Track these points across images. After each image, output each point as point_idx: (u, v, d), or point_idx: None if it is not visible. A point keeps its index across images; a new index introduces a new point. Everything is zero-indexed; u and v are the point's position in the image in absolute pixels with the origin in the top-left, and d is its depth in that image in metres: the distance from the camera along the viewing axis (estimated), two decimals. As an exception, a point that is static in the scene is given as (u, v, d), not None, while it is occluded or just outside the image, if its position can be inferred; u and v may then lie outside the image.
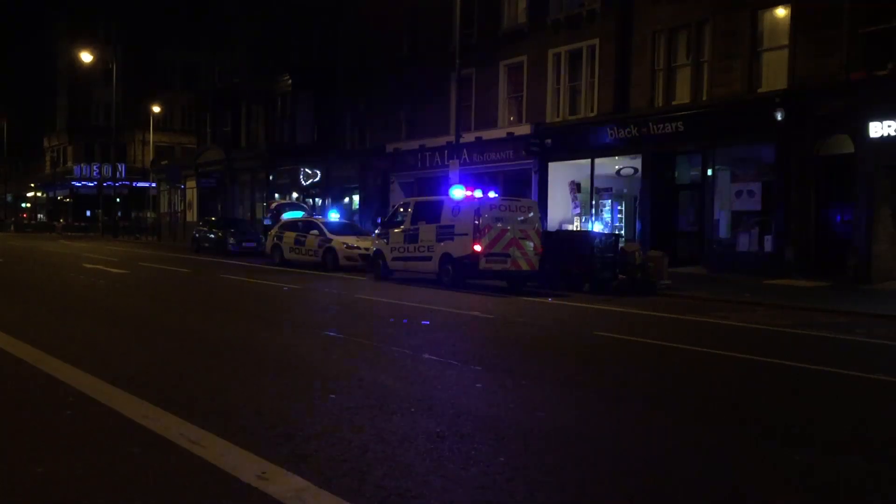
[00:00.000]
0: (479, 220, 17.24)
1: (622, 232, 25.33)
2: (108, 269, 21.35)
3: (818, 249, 20.35)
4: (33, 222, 73.55)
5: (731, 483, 4.65)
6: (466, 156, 28.04)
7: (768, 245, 21.06)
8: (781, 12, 21.23)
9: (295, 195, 39.39)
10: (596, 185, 26.45)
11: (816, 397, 7.35)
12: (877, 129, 18.42)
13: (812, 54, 20.18)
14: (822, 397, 7.37)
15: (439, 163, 30.02)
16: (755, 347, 10.28)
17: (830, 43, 19.78)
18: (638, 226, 25.16)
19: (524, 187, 27.17)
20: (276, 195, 40.13)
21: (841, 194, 19.91)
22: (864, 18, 19.31)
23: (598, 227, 25.66)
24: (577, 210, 27.19)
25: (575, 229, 25.85)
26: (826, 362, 9.15)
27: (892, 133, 18.17)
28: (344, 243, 22.96)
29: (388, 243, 19.74)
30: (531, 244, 17.65)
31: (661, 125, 23.33)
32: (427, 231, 18.54)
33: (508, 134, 28.07)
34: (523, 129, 27.59)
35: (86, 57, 53.95)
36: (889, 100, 18.29)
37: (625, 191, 26.79)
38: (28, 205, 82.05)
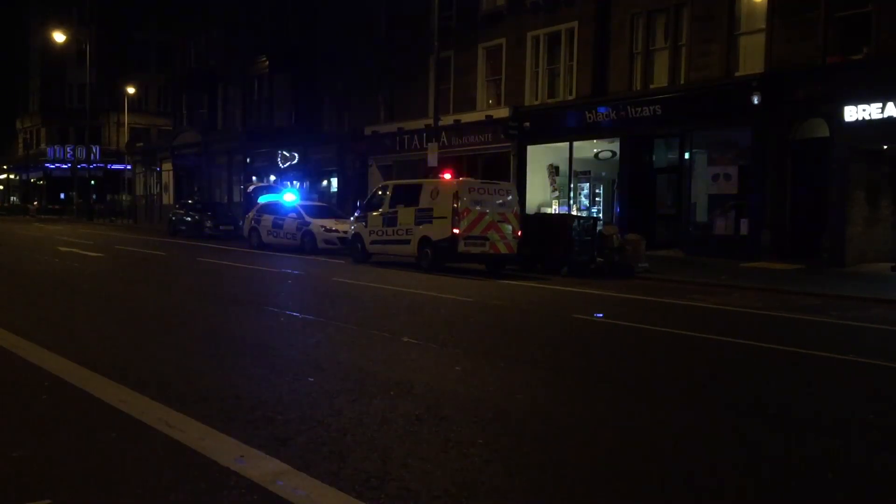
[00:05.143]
0: (457, 204, 17.23)
1: (600, 215, 25.40)
2: (84, 252, 21.13)
3: (793, 232, 20.55)
4: (6, 205, 72.60)
5: (704, 462, 4.71)
6: (445, 139, 27.96)
7: (744, 228, 21.23)
8: (759, -4, 21.32)
9: (273, 178, 39.13)
10: (574, 168, 26.48)
11: (790, 379, 7.45)
12: (852, 114, 18.58)
13: (789, 38, 20.28)
14: (796, 378, 7.47)
15: (418, 146, 29.92)
16: (731, 330, 10.40)
17: (807, 27, 19.89)
18: (616, 209, 25.26)
19: (503, 170, 27.15)
20: (254, 178, 39.86)
21: (816, 178, 20.09)
22: (841, 3, 19.44)
23: (576, 211, 25.74)
24: (556, 193, 27.24)
25: (553, 212, 25.91)
26: (800, 344, 9.28)
27: (867, 117, 18.33)
28: (322, 226, 22.88)
29: (366, 226, 19.68)
30: (510, 227, 17.67)
31: (639, 109, 23.38)
32: (405, 214, 18.51)
33: (487, 117, 28.02)
34: (502, 112, 27.54)
35: (59, 37, 53.18)
36: (864, 84, 18.44)
37: (603, 174, 26.87)
38: (0, 187, 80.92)
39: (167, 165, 48.70)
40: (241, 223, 28.77)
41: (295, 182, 36.94)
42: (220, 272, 17.23)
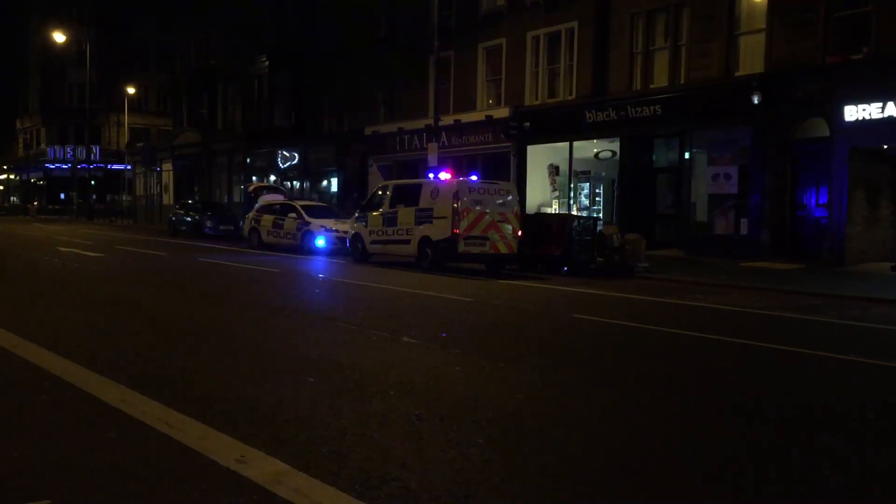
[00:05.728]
0: (457, 204, 17.22)
1: (600, 215, 25.41)
2: (84, 252, 21.13)
3: (793, 232, 20.56)
4: (6, 205, 72.61)
5: (701, 463, 4.71)
6: (445, 139, 27.97)
7: (744, 228, 21.23)
8: (759, -4, 21.32)
9: (273, 178, 39.14)
10: (574, 168, 26.48)
11: (790, 378, 7.45)
12: (851, 113, 18.57)
13: (789, 38, 20.28)
14: (796, 378, 7.47)
15: (418, 146, 29.93)
16: (730, 329, 10.39)
17: (807, 27, 19.90)
18: (616, 209, 25.25)
19: (503, 170, 27.16)
20: (254, 178, 39.88)
21: (816, 177, 20.11)
22: (841, 3, 19.44)
23: (576, 211, 25.73)
24: (556, 193, 27.24)
25: (553, 212, 25.90)
26: (800, 344, 9.28)
27: (867, 117, 18.33)
28: (322, 226, 22.88)
29: (366, 226, 19.68)
30: (510, 227, 17.66)
31: (639, 108, 23.38)
32: (406, 214, 18.51)
33: (487, 117, 28.02)
34: (502, 112, 27.54)
35: (59, 37, 53.18)
36: (864, 84, 18.44)
37: (603, 174, 26.87)
38: (0, 187, 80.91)
39: (167, 165, 48.69)
40: (241, 223, 28.79)
41: (287, 184, 37.00)
42: (219, 272, 17.23)
